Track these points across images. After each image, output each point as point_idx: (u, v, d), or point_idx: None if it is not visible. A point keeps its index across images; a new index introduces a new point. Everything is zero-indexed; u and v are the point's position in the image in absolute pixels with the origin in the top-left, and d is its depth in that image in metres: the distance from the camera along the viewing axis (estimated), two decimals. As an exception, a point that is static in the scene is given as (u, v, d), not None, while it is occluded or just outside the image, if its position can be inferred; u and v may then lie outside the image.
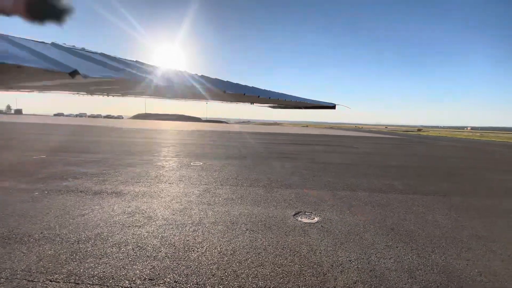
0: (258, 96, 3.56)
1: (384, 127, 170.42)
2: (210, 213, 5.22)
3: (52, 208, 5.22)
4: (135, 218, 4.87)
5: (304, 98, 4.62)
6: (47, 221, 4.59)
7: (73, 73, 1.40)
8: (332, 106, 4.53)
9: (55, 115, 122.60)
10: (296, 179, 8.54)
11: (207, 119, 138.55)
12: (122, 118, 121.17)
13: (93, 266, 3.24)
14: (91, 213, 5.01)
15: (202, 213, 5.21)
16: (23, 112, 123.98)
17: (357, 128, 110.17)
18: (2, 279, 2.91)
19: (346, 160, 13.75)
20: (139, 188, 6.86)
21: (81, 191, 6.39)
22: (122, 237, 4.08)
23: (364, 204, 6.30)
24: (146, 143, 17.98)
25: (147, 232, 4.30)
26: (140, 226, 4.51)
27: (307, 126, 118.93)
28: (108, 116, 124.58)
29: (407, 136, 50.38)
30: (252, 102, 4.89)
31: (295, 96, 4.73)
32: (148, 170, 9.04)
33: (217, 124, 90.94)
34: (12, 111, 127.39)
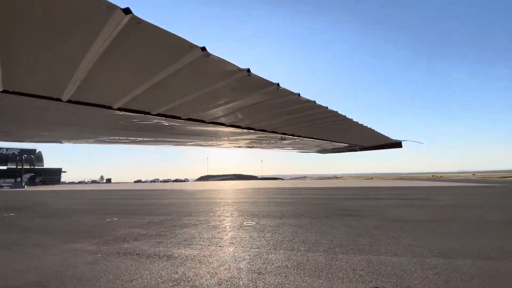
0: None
1: (471, 174, 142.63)
2: (260, 285, 4.43)
3: (107, 271, 5.23)
4: (179, 287, 4.43)
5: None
6: (98, 285, 4.52)
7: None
8: (397, 144, 3.76)
9: (135, 181, 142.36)
10: (366, 242, 7.08)
11: (263, 176, 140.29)
12: (188, 180, 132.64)
13: None
14: (139, 279, 4.79)
15: (251, 285, 4.45)
16: (112, 181, 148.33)
17: (435, 177, 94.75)
18: None
19: (428, 216, 11.24)
20: (189, 251, 6.56)
21: (136, 254, 6.42)
22: (161, 311, 3.62)
23: (469, 277, 4.57)
24: (204, 203, 18.48)
25: (188, 306, 3.76)
26: (182, 298, 4.01)
27: (371, 178, 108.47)
28: (176, 180, 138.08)
29: (506, 182, 40.53)
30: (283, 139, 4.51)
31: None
32: (201, 232, 8.85)
33: (272, 181, 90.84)
34: (104, 180, 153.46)
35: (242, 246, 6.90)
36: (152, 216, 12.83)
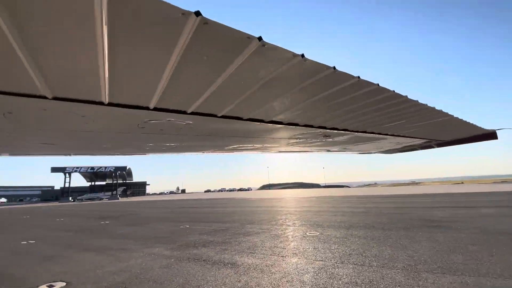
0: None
1: None
2: (326, 302, 4.02)
3: (178, 276, 5.61)
4: (241, 297, 4.39)
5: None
6: (170, 287, 4.87)
7: None
8: (490, 135, 2.94)
9: (205, 191, 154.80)
10: (459, 260, 5.80)
11: (326, 184, 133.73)
12: (251, 189, 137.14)
13: None
14: (205, 285, 4.97)
15: (316, 301, 4.09)
16: (186, 191, 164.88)
17: (555, 179, 73.40)
18: None
19: (553, 229, 8.59)
20: (252, 260, 6.55)
21: (204, 260, 6.74)
22: (224, 320, 3.62)
23: None
24: (266, 212, 18.55)
25: (250, 318, 3.66)
26: (244, 309, 3.94)
27: (462, 182, 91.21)
28: (240, 189, 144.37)
29: None
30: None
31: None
32: (264, 240, 8.79)
33: (337, 189, 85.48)
34: (179, 191, 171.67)
35: (306, 258, 6.52)
36: (219, 223, 13.50)
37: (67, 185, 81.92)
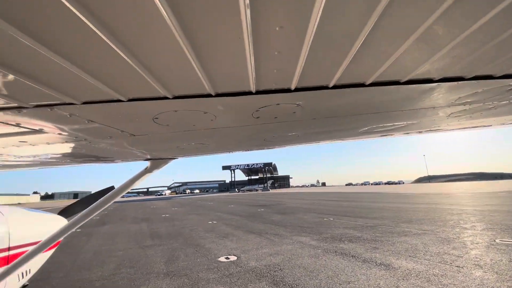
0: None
1: None
2: None
3: (326, 267, 5.64)
4: (402, 305, 3.77)
5: None
6: (319, 279, 4.97)
7: None
8: None
9: (346, 184, 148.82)
10: None
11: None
12: (403, 183, 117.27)
13: None
14: (356, 283, 4.69)
15: None
16: (326, 184, 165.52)
17: None
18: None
19: None
20: (412, 264, 5.52)
21: (352, 256, 6.41)
22: (383, 327, 3.22)
23: None
24: (427, 209, 15.18)
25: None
26: (408, 321, 3.35)
27: None
28: (388, 183, 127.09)
29: None
30: None
31: None
32: (427, 243, 7.21)
33: (556, 180, 56.50)
34: (320, 184, 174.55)
35: (496, 273, 4.71)
36: (365, 219, 12.47)
37: (233, 179, 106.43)
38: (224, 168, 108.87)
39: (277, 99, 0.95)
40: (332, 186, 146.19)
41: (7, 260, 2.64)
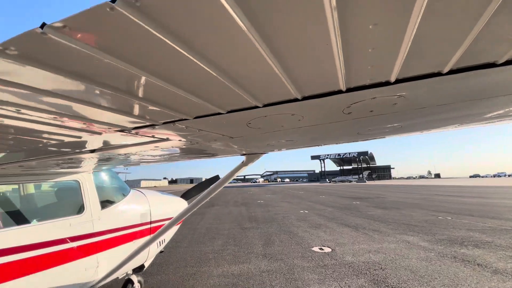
0: None
1: None
2: None
3: (441, 274, 4.79)
4: None
5: None
6: (432, 286, 4.28)
7: None
8: None
9: (470, 176, 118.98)
10: None
11: None
12: None
13: None
14: (487, 300, 3.79)
15: None
16: (441, 176, 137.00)
17: None
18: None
19: None
20: None
21: (478, 264, 5.19)
22: None
23: None
24: None
25: None
26: None
27: None
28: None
29: None
30: None
31: None
32: None
33: None
34: (432, 175, 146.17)
35: None
36: (499, 220, 9.70)
37: (322, 169, 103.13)
38: (313, 157, 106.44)
39: (373, 94, 0.88)
40: (450, 178, 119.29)
41: (149, 231, 3.54)
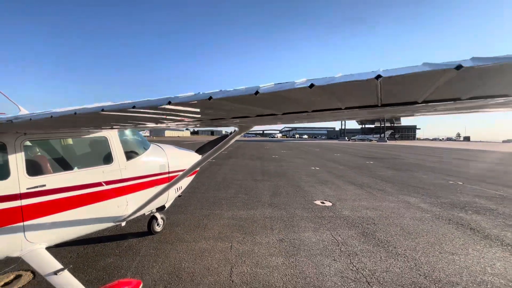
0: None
1: None
2: None
3: (430, 233, 5.22)
4: (518, 294, 3.24)
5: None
6: (416, 242, 4.76)
7: None
8: None
9: (503, 141, 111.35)
10: None
11: None
12: None
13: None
14: (462, 257, 4.23)
15: None
16: (471, 139, 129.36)
17: None
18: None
19: None
20: None
21: (471, 228, 5.54)
22: (476, 305, 3.00)
23: None
24: None
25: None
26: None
27: None
28: None
29: None
30: None
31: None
32: None
33: None
34: (461, 138, 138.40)
35: None
36: (514, 190, 9.64)
37: (343, 126, 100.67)
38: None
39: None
40: (480, 142, 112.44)
41: (168, 179, 4.17)
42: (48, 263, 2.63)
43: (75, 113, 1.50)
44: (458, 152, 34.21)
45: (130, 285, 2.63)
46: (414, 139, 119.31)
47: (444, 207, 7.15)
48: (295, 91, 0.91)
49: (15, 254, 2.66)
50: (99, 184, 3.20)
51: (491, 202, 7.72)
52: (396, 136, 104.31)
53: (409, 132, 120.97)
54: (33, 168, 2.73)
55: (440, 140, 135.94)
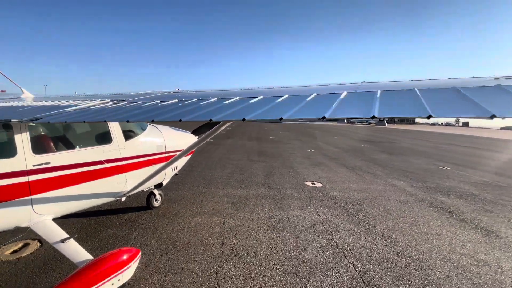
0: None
1: None
2: None
3: (410, 215, 5.58)
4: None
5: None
6: (395, 222, 5.12)
7: None
8: None
9: (501, 128, 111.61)
10: None
11: None
12: None
13: (385, 280, 3.25)
14: (436, 237, 4.59)
15: None
16: (469, 125, 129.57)
17: None
18: (336, 243, 4.09)
19: None
20: (530, 240, 4.63)
21: (450, 212, 5.90)
22: (448, 278, 3.38)
23: None
24: None
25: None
26: None
27: None
28: None
29: None
30: None
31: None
32: None
33: None
34: (460, 124, 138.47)
35: None
36: (499, 176, 10.01)
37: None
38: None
39: None
40: (478, 128, 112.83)
41: (165, 159, 4.41)
42: (55, 233, 2.92)
43: (84, 121, 1.76)
44: (454, 137, 34.54)
45: (130, 252, 2.94)
46: (414, 123, 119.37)
47: (428, 191, 7.51)
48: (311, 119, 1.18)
49: (24, 225, 2.94)
50: (100, 162, 3.43)
51: (474, 188, 8.09)
52: (396, 119, 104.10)
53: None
54: (38, 147, 2.93)
55: (439, 125, 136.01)
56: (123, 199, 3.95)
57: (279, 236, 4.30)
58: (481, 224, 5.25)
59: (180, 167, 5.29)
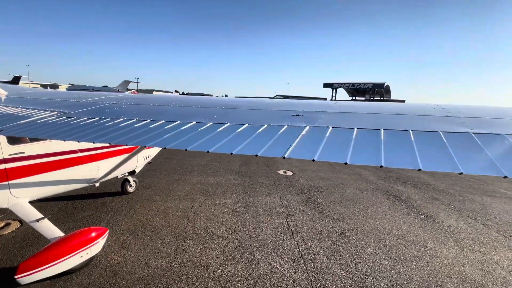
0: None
1: None
2: None
3: (362, 202, 6.21)
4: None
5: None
6: (348, 208, 5.75)
7: None
8: None
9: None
10: None
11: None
12: None
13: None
14: (379, 221, 5.23)
15: None
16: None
17: None
18: (288, 225, 4.68)
19: None
20: (459, 224, 5.35)
21: (400, 199, 6.56)
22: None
23: None
24: None
25: (391, 267, 3.72)
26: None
27: None
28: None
29: None
30: None
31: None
32: (506, 210, 6.30)
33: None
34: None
35: None
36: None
37: (333, 98, 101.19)
38: (326, 85, 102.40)
39: None
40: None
41: (134, 148, 4.81)
42: (31, 213, 3.33)
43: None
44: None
45: (99, 231, 3.41)
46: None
47: (389, 180, 8.21)
48: None
49: (3, 206, 3.33)
50: (73, 152, 3.81)
51: (433, 178, 8.86)
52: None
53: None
54: (14, 138, 3.28)
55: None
56: (97, 185, 4.37)
57: (240, 219, 4.84)
58: (424, 211, 5.95)
59: (152, 155, 5.69)
